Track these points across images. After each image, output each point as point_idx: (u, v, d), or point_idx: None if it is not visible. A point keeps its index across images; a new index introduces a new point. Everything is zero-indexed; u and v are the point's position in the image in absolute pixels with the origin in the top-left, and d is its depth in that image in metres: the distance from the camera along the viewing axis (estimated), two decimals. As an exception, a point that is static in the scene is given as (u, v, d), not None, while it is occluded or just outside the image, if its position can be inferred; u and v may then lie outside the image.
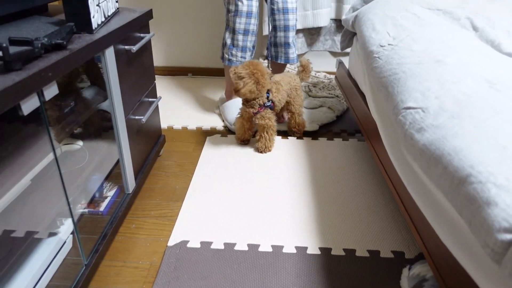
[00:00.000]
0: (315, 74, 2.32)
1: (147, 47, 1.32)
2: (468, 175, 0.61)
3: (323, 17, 2.16)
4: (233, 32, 1.62)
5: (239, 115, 1.59)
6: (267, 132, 1.54)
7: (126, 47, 1.11)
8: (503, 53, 1.02)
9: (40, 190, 0.89)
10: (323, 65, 2.40)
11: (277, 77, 1.60)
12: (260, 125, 1.54)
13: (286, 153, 1.57)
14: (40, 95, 0.71)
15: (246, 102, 1.52)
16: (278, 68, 1.83)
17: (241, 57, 1.67)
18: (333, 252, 1.07)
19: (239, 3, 1.56)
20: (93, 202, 1.11)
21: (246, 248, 1.08)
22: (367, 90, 1.28)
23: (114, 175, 1.19)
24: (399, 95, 0.91)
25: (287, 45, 1.71)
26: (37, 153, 0.86)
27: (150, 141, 1.40)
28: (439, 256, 0.80)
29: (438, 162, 0.68)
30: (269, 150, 1.57)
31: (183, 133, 1.73)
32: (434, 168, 0.70)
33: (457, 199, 0.62)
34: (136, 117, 1.21)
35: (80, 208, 1.04)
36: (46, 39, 0.75)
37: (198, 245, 1.09)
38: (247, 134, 1.61)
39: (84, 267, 0.92)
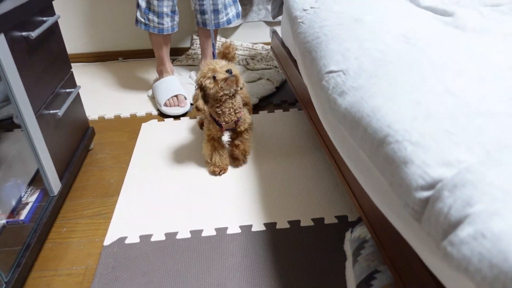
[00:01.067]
0: (252, 46, 2.25)
1: (54, 31, 1.18)
2: (386, 135, 0.59)
3: (253, -14, 2.08)
4: None
5: (206, 137, 1.24)
6: (248, 133, 1.28)
7: (23, 33, 0.98)
8: (421, 7, 1.02)
9: None
10: (259, 36, 2.33)
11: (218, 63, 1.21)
12: (243, 131, 1.25)
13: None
14: None
15: (218, 110, 1.16)
16: (208, 35, 1.75)
17: (158, 23, 1.57)
18: (278, 226, 1.06)
19: None
20: (13, 211, 1.00)
21: (189, 235, 1.04)
22: (297, 56, 1.25)
23: (38, 178, 1.09)
24: (322, 59, 0.88)
25: (215, 11, 1.63)
26: None
27: (75, 136, 1.28)
28: (373, 217, 0.80)
29: (358, 125, 0.67)
30: (246, 161, 1.33)
31: (116, 122, 1.62)
32: (356, 131, 0.68)
33: (378, 160, 0.61)
34: (51, 112, 1.10)
35: (-3, 220, 0.94)
36: None
37: (137, 240, 1.03)
38: (225, 160, 1.28)
39: (5, 285, 0.83)
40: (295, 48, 1.25)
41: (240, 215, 1.10)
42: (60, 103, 1.17)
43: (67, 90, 1.24)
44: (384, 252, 0.75)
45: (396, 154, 0.56)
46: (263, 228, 1.05)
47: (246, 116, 1.25)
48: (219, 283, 0.90)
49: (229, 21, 1.72)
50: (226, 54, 1.27)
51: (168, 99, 1.62)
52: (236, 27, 2.29)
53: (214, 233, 1.04)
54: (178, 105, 1.61)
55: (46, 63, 1.11)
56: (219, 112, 1.17)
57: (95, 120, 1.64)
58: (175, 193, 1.19)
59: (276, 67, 2.00)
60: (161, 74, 1.74)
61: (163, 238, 1.03)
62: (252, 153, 1.37)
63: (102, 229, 1.07)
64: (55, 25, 1.20)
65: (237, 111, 1.19)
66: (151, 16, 1.55)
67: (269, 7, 2.22)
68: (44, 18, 1.11)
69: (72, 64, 1.77)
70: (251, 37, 2.32)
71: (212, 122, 1.21)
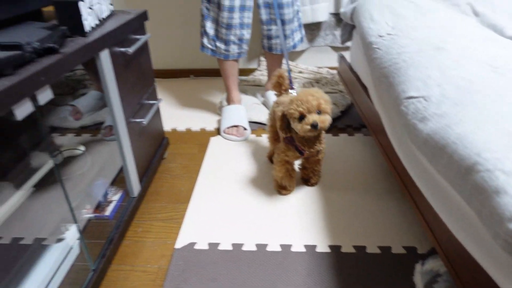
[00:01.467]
0: (317, 69, 2.30)
1: (144, 49, 1.31)
2: (474, 163, 0.59)
3: (322, 12, 2.14)
4: (217, 23, 1.61)
5: (280, 161, 1.21)
6: (320, 164, 1.29)
7: (122, 49, 1.10)
8: (506, 37, 1.00)
9: (43, 196, 0.89)
10: (325, 61, 2.38)
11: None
12: (316, 161, 1.27)
13: (290, 150, 1.56)
14: (34, 100, 0.71)
15: (303, 139, 1.15)
16: (274, 59, 1.82)
17: (225, 49, 1.66)
18: (343, 250, 1.06)
19: None
20: (98, 207, 1.11)
21: (255, 248, 1.07)
22: (369, 82, 1.27)
23: (119, 179, 1.19)
24: (400, 85, 0.89)
25: (284, 37, 1.69)
26: (37, 159, 0.86)
27: (154, 144, 1.39)
28: (451, 250, 0.78)
29: (443, 152, 0.67)
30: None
31: (187, 135, 1.72)
32: (439, 158, 0.68)
33: (465, 188, 0.61)
34: (137, 120, 1.21)
35: (86, 213, 1.04)
36: (37, 43, 0.75)
37: (206, 247, 1.08)
38: (294, 183, 1.30)
39: (92, 272, 0.92)
40: (368, 73, 1.27)
41: (304, 235, 1.11)
42: (145, 113, 1.28)
43: (150, 102, 1.36)
44: None
45: (487, 183, 0.56)
46: (328, 250, 1.06)
47: (323, 138, 1.20)
48: (283, 297, 0.92)
49: (294, 46, 1.78)
50: (279, 84, 1.28)
51: (229, 127, 1.68)
52: (303, 51, 2.35)
53: (279, 249, 1.07)
54: (236, 135, 1.67)
55: (137, 76, 1.23)
56: (304, 142, 1.15)
57: (168, 131, 1.76)
58: (241, 206, 1.24)
59: (341, 91, 2.02)
60: (228, 101, 1.82)
61: (230, 248, 1.07)
62: (316, 174, 1.39)
63: (173, 233, 1.14)
64: (146, 42, 1.33)
65: (322, 141, 1.18)
66: (218, 43, 1.65)
67: (337, 32, 2.26)
68: (138, 36, 1.25)
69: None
70: (317, 61, 2.37)
71: (292, 149, 1.18)
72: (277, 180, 1.27)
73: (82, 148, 1.09)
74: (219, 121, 1.81)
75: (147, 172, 1.30)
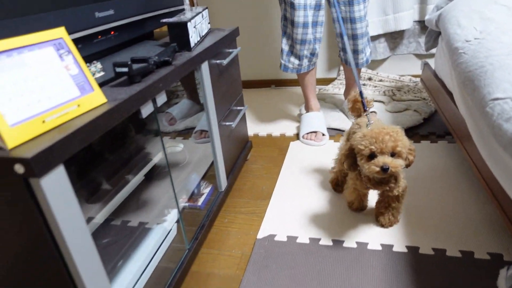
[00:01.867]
0: (399, 78, 2.26)
1: (235, 60, 1.46)
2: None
3: (405, 20, 2.12)
4: (292, 40, 1.69)
5: (350, 187, 1.15)
6: (398, 201, 1.12)
7: (217, 61, 1.26)
8: None
9: (152, 184, 1.07)
10: (407, 69, 2.33)
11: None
12: (393, 199, 1.12)
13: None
14: (154, 102, 0.87)
15: (373, 182, 1.04)
16: (350, 71, 1.85)
17: (298, 64, 1.73)
18: (421, 251, 1.06)
19: (295, 13, 1.59)
20: (192, 197, 1.26)
21: (331, 243, 1.12)
22: (454, 87, 1.25)
23: (208, 176, 1.34)
24: (486, 87, 0.89)
25: (355, 52, 1.72)
26: (150, 152, 1.03)
27: (239, 146, 1.53)
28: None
29: (528, 150, 0.66)
30: (396, 222, 1.17)
31: (268, 140, 1.84)
32: (524, 156, 0.68)
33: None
34: (227, 123, 1.35)
35: (182, 202, 1.20)
36: (156, 57, 0.92)
37: (285, 239, 1.16)
38: (364, 203, 1.24)
39: (187, 251, 1.06)
40: (452, 79, 1.25)
41: (381, 234, 1.13)
42: (233, 117, 1.43)
43: (238, 108, 1.50)
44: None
45: None
46: (405, 250, 1.07)
47: (400, 179, 1.05)
48: (358, 291, 0.96)
49: (367, 61, 1.78)
50: (355, 108, 1.24)
51: (308, 133, 1.76)
52: (384, 59, 2.34)
53: (355, 245, 1.11)
54: (314, 140, 1.73)
55: (227, 84, 1.38)
56: (370, 181, 1.04)
57: (251, 136, 1.90)
58: (319, 204, 1.30)
59: (424, 98, 1.97)
60: (307, 109, 1.90)
61: (307, 241, 1.14)
62: (395, 179, 1.39)
63: (255, 225, 1.24)
64: (236, 55, 1.48)
65: (398, 182, 1.04)
66: (292, 59, 1.74)
67: (421, 40, 2.21)
68: (230, 50, 1.40)
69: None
70: (399, 69, 2.34)
71: (360, 180, 1.07)
72: (348, 201, 1.25)
73: (181, 146, 1.26)
74: (298, 127, 1.90)
75: (233, 171, 1.43)
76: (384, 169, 0.92)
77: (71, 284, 0.64)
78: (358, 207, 1.24)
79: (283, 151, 1.71)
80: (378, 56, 2.28)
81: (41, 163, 0.53)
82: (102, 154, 0.86)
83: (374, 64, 2.36)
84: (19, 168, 0.52)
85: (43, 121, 0.58)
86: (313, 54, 1.72)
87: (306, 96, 1.87)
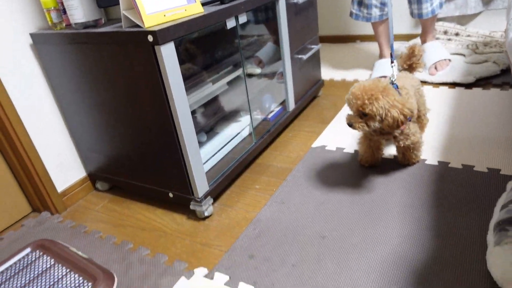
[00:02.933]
0: (489, 33, 2.21)
1: (313, 4, 1.70)
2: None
3: (502, -29, 2.05)
4: None
5: (362, 136, 1.23)
6: (414, 150, 1.20)
7: (294, 1, 1.51)
8: None
9: (232, 91, 1.40)
10: (500, 25, 2.25)
11: (399, 81, 1.16)
12: (405, 147, 1.18)
13: (433, 99, 1.69)
14: (237, 19, 1.19)
15: (380, 133, 1.14)
16: (423, 23, 1.91)
17: (367, 13, 1.85)
18: (450, 165, 1.21)
19: None
20: (264, 112, 1.58)
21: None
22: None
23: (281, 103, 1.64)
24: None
25: (419, 1, 1.77)
26: (232, 63, 1.36)
27: (310, 80, 1.78)
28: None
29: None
30: (418, 161, 1.24)
31: (341, 83, 2.05)
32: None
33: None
34: (299, 56, 1.62)
35: (256, 114, 1.53)
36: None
37: (334, 149, 1.42)
38: (376, 157, 1.25)
39: (254, 144, 1.39)
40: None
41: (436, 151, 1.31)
42: (305, 52, 1.68)
43: (312, 46, 1.75)
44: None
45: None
46: (436, 163, 1.23)
47: (411, 132, 1.13)
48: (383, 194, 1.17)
49: (433, 11, 1.78)
50: (410, 59, 1.25)
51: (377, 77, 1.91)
52: (476, 15, 2.29)
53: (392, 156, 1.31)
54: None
55: (303, 24, 1.63)
56: (378, 130, 1.12)
57: (327, 80, 2.12)
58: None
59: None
60: (380, 56, 2.04)
61: (352, 152, 1.38)
62: (454, 116, 1.50)
63: (312, 139, 1.51)
64: (315, 1, 1.71)
65: (407, 136, 1.13)
66: (362, 8, 1.87)
67: (520, -7, 2.11)
68: (308, -6, 1.64)
69: (321, 43, 2.32)
70: (491, 25, 2.27)
71: (370, 134, 1.16)
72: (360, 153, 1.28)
73: (259, 70, 1.57)
74: (370, 75, 2.07)
75: (302, 99, 1.70)
76: (349, 124, 1.05)
77: (173, 126, 1.01)
78: (368, 161, 1.25)
79: (352, 92, 1.91)
80: (469, 11, 2.25)
81: (162, 36, 0.89)
82: (199, 55, 1.22)
83: (464, 19, 2.33)
84: (150, 38, 0.89)
85: (164, 15, 0.94)
86: (383, 3, 1.84)
87: (380, 44, 2.01)
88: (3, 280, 1.02)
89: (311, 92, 1.78)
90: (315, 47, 1.76)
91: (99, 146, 1.26)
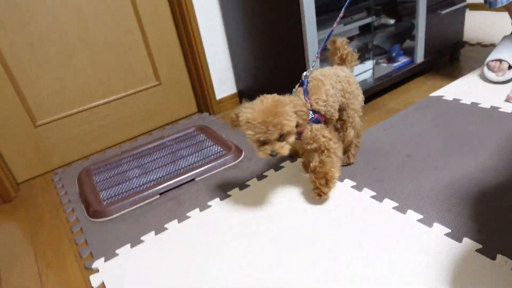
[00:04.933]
0: None
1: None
2: None
3: None
4: None
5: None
6: (323, 153, 1.00)
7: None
8: None
9: (362, 36, 1.59)
10: None
11: (316, 71, 1.06)
12: (312, 150, 1.02)
13: None
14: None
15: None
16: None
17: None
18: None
19: None
20: (390, 60, 1.72)
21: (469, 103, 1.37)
22: None
23: (410, 50, 1.73)
24: None
25: None
26: (364, 9, 1.54)
27: (447, 39, 1.80)
28: None
29: None
30: (329, 191, 1.01)
31: (487, 48, 1.96)
32: None
33: None
34: (437, 12, 1.67)
35: (382, 62, 1.69)
36: None
37: (451, 99, 1.49)
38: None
39: (372, 82, 1.57)
40: None
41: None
42: (445, 8, 1.71)
43: (455, 3, 1.75)
44: None
45: None
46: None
47: (320, 133, 0.98)
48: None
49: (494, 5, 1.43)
50: (336, 53, 1.14)
51: (493, 61, 1.59)
52: None
53: (469, 102, 1.31)
54: (495, 72, 1.56)
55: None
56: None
57: (473, 44, 2.05)
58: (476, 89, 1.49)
59: None
60: None
61: (469, 103, 1.42)
62: None
63: (432, 90, 1.59)
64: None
65: (314, 138, 0.99)
66: None
67: None
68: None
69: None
70: None
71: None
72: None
73: (392, 21, 1.70)
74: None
75: (433, 54, 1.76)
76: (273, 155, 0.89)
77: (302, 51, 1.30)
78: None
79: (496, 56, 1.83)
80: None
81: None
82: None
83: None
84: (294, -25, 1.18)
85: (309, -41, 1.22)
86: None
87: None
88: (176, 141, 1.53)
89: (446, 51, 1.80)
90: (460, 5, 1.76)
91: (249, 69, 1.66)
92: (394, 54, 1.71)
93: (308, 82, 1.01)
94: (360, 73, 1.60)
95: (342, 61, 1.15)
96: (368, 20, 1.54)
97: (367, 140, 1.30)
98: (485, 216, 0.89)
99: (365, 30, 1.61)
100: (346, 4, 1.10)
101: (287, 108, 0.87)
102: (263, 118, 0.85)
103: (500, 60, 1.53)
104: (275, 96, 0.90)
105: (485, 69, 1.57)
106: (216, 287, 0.85)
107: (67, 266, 1.01)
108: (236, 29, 1.62)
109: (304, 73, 1.02)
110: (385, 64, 1.70)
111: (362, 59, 1.68)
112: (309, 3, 1.23)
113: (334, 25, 1.09)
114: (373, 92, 1.57)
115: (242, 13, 1.53)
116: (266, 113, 0.85)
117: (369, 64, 1.63)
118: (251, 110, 0.88)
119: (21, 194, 1.41)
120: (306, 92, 0.99)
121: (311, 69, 1.03)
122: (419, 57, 1.70)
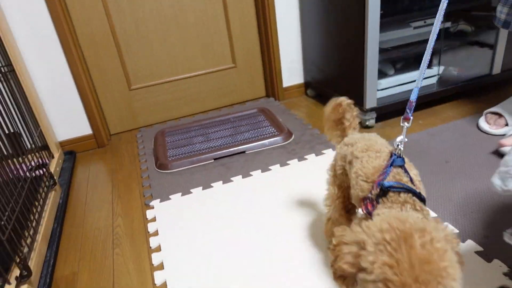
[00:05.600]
0: None
1: None
2: None
3: None
4: None
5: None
6: None
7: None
8: None
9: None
10: None
11: (365, 136, 0.80)
12: None
13: None
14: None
15: None
16: None
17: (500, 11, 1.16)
18: None
19: None
20: (461, 69, 1.68)
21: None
22: None
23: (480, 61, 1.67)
24: None
25: None
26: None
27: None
28: None
29: None
30: None
31: None
32: None
33: None
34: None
35: (452, 69, 1.66)
36: None
37: (517, 115, 1.42)
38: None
39: (434, 90, 1.57)
40: None
41: None
42: None
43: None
44: None
45: None
46: None
47: None
48: None
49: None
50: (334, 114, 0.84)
51: (488, 113, 1.42)
52: None
53: None
54: (490, 125, 1.40)
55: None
56: None
57: None
58: None
59: None
60: None
61: None
62: None
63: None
64: None
65: None
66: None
67: None
68: None
69: None
70: None
71: None
72: None
73: (470, 29, 1.65)
74: None
75: (515, 68, 1.67)
76: None
77: (364, 51, 1.38)
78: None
79: None
80: None
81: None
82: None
83: None
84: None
85: (379, -38, 1.28)
86: None
87: None
88: (239, 119, 1.73)
89: (531, 65, 1.69)
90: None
91: (317, 63, 1.77)
92: (468, 64, 1.67)
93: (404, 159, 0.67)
94: (425, 78, 1.61)
95: (344, 131, 0.86)
96: (446, 25, 1.54)
97: (413, 142, 1.34)
98: (497, 226, 0.91)
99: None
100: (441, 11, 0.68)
101: (445, 246, 0.44)
102: (414, 277, 0.41)
103: (500, 115, 1.40)
104: (405, 218, 0.47)
105: (481, 118, 1.43)
106: (239, 236, 1.02)
107: (132, 200, 1.27)
108: (309, 26, 1.74)
109: (397, 145, 0.69)
110: (455, 72, 1.67)
111: (429, 64, 1.68)
112: (374, 5, 1.30)
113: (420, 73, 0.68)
114: (434, 99, 1.57)
115: (317, 11, 1.64)
116: (421, 270, 0.42)
117: (435, 69, 1.62)
118: (389, 259, 0.43)
119: (111, 143, 1.74)
120: (407, 172, 0.65)
121: (399, 142, 0.68)
122: (495, 68, 1.63)
